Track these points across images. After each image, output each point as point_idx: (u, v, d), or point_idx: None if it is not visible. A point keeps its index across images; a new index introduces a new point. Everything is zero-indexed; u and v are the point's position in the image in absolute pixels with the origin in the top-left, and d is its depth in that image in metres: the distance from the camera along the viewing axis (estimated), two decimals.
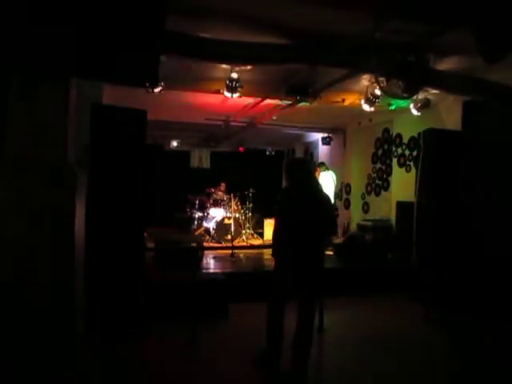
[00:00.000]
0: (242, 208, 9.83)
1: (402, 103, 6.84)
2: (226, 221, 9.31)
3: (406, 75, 4.67)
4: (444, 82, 5.32)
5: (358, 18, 3.88)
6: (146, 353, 4.18)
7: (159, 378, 3.65)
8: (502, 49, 3.31)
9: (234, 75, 5.25)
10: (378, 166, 9.10)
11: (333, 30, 4.30)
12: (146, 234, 5.13)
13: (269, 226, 9.21)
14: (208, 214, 9.80)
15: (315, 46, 4.59)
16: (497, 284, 5.13)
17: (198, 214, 10.04)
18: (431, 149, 5.73)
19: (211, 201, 10.03)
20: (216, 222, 9.39)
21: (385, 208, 8.58)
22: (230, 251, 7.65)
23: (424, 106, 6.47)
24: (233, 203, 9.54)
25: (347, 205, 9.99)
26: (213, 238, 9.29)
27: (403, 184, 7.69)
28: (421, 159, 5.87)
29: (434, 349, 4.43)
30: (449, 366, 4.10)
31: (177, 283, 5.03)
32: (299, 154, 12.67)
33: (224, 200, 9.89)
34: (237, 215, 9.57)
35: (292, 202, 3.76)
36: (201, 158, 13.00)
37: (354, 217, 9.57)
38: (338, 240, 7.50)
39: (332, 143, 10.39)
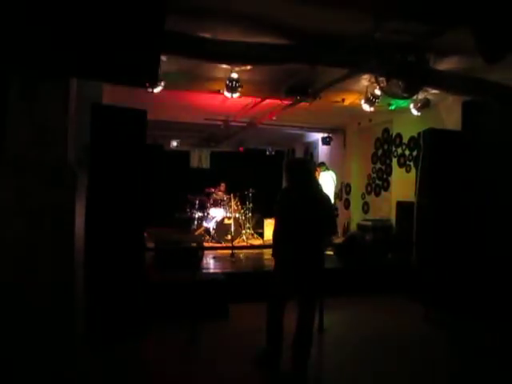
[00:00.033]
0: (242, 208, 9.83)
1: (401, 103, 6.84)
2: (226, 221, 9.31)
3: (406, 75, 4.68)
4: (444, 81, 5.32)
5: (357, 18, 3.88)
6: (146, 353, 4.18)
7: (159, 378, 3.65)
8: (502, 49, 3.31)
9: (234, 75, 5.25)
10: (378, 166, 9.11)
11: (333, 29, 4.30)
12: (146, 234, 5.13)
13: (269, 225, 9.21)
14: (208, 213, 9.80)
15: (315, 46, 4.60)
16: (497, 284, 5.13)
17: (197, 214, 10.05)
18: (431, 149, 5.73)
19: (211, 201, 10.04)
20: (216, 222, 9.39)
21: (385, 208, 8.58)
22: (229, 251, 7.65)
23: (424, 105, 6.46)
24: (233, 203, 9.54)
25: (347, 205, 9.99)
26: (213, 238, 9.29)
27: (403, 184, 7.68)
28: (421, 159, 5.87)
29: (434, 349, 4.43)
30: (449, 366, 4.10)
31: (177, 283, 5.03)
32: (299, 154, 12.68)
33: (224, 200, 9.89)
34: (237, 215, 9.57)
35: (292, 202, 3.76)
36: (201, 158, 13.00)
37: (354, 217, 9.58)
38: (338, 240, 7.49)
39: (332, 143, 10.39)
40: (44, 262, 2.96)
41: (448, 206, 5.61)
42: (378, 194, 9.10)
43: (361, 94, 6.21)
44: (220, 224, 9.29)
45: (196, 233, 9.75)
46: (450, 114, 6.56)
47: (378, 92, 5.72)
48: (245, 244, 9.21)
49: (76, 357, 3.23)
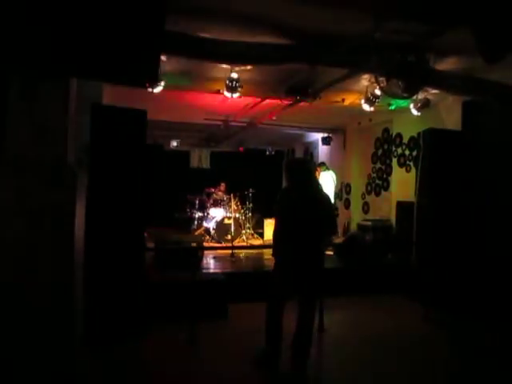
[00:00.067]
0: (242, 208, 9.83)
1: (401, 103, 6.84)
2: (226, 221, 9.31)
3: (406, 75, 4.67)
4: (444, 81, 5.32)
5: (357, 18, 3.88)
6: (146, 353, 4.18)
7: (159, 378, 3.65)
8: (502, 49, 3.31)
9: (234, 75, 5.25)
10: (378, 165, 9.11)
11: (333, 29, 4.30)
12: (146, 234, 5.13)
13: (269, 225, 9.21)
14: (208, 213, 9.80)
15: (315, 46, 4.59)
16: (497, 284, 5.13)
17: (197, 214, 10.05)
18: (431, 149, 5.73)
19: (211, 201, 10.04)
20: (216, 222, 9.39)
21: (385, 208, 8.58)
22: (229, 251, 7.65)
23: (424, 105, 6.46)
24: (233, 203, 9.55)
25: (347, 205, 9.99)
26: (213, 237, 9.29)
27: (403, 184, 7.69)
28: (421, 159, 5.87)
29: (434, 349, 4.43)
30: (449, 366, 4.10)
31: (177, 283, 5.03)
32: (299, 153, 12.67)
33: (224, 200, 9.89)
34: (237, 215, 9.57)
35: (292, 202, 3.76)
36: (201, 158, 12.99)
37: (354, 217, 9.58)
38: (338, 240, 7.49)
39: (332, 143, 10.38)
40: (44, 262, 2.95)
41: (448, 206, 5.62)
42: (378, 194, 9.10)
43: (361, 94, 6.21)
44: (220, 224, 9.29)
45: (196, 233, 9.75)
46: (450, 114, 6.56)
47: (377, 92, 5.71)
48: (245, 244, 9.22)
49: (75, 357, 3.23)
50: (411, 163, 7.68)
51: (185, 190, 10.45)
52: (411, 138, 7.77)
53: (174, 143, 11.39)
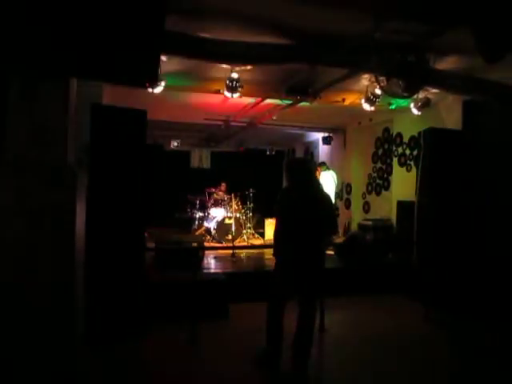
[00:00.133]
0: (243, 208, 9.83)
1: (402, 102, 6.84)
2: (227, 221, 9.31)
3: (406, 75, 4.67)
4: (444, 81, 5.32)
5: (357, 17, 3.88)
6: (146, 353, 4.18)
7: (159, 378, 3.66)
8: (502, 49, 3.31)
9: (234, 75, 5.25)
10: (379, 165, 9.10)
11: (333, 29, 4.30)
12: (146, 234, 5.13)
13: (269, 225, 9.22)
14: (209, 213, 9.80)
15: (315, 46, 4.59)
16: (497, 284, 5.13)
17: (198, 214, 10.05)
18: (431, 148, 5.73)
19: (212, 201, 10.04)
20: (217, 221, 9.39)
21: (385, 208, 8.57)
22: (230, 251, 7.65)
23: (424, 105, 6.46)
24: (233, 203, 9.55)
25: (348, 204, 9.99)
26: (213, 237, 9.29)
27: (404, 183, 7.68)
28: (421, 158, 5.87)
29: (434, 349, 4.43)
30: (449, 365, 4.10)
31: (177, 283, 5.03)
32: (299, 153, 12.67)
33: (224, 200, 9.89)
34: (237, 215, 9.57)
35: (292, 201, 3.76)
36: (201, 158, 13.00)
37: (355, 216, 9.57)
38: (339, 240, 7.49)
39: (332, 143, 10.38)
40: (44, 262, 2.96)
41: (448, 206, 5.62)
42: (378, 194, 9.09)
43: (361, 94, 6.20)
44: (221, 224, 9.29)
45: (197, 233, 9.75)
46: (451, 114, 6.56)
47: (378, 91, 5.71)
48: (245, 244, 9.22)
49: (76, 357, 3.23)
50: (412, 163, 7.68)
51: (185, 190, 10.45)
52: (411, 138, 7.76)
53: (174, 143, 11.39)
